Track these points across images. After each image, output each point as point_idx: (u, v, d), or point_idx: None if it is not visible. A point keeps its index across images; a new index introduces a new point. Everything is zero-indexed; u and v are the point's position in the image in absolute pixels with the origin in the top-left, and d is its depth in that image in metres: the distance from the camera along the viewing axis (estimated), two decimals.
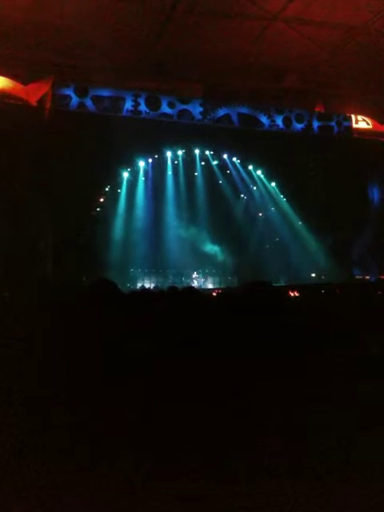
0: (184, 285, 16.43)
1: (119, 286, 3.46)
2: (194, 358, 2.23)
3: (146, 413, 1.88)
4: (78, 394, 1.95)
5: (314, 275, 17.48)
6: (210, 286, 17.60)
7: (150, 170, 17.71)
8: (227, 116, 13.74)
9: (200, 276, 18.23)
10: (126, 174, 17.28)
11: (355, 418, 1.93)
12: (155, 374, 2.09)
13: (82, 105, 12.29)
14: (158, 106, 12.96)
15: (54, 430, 1.75)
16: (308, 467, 1.66)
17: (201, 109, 13.37)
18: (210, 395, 2.01)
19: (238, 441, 1.79)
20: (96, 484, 1.54)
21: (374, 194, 16.80)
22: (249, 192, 18.72)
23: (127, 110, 12.72)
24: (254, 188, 18.64)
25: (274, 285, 14.19)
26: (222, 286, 17.44)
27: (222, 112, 13.67)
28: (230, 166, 18.12)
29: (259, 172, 18.34)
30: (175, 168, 17.76)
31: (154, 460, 1.66)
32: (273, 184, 18.47)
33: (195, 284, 17.73)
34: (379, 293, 6.95)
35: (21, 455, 1.65)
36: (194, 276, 18.13)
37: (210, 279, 18.44)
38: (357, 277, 16.52)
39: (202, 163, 17.91)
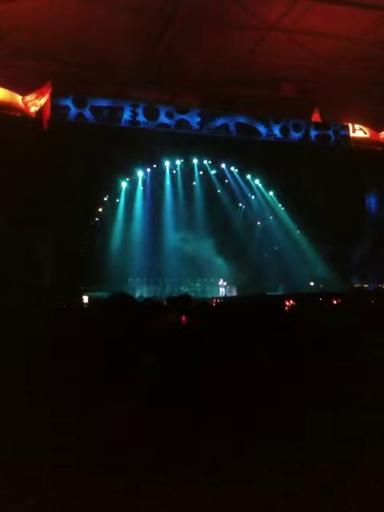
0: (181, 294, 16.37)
1: None
2: (195, 364, 2.25)
3: (148, 415, 1.89)
4: (82, 397, 1.97)
5: (312, 284, 17.48)
6: (210, 296, 17.58)
7: (148, 180, 17.76)
8: (225, 126, 13.78)
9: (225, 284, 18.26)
10: (124, 184, 17.31)
11: (355, 419, 1.94)
12: (158, 378, 2.10)
13: (80, 115, 12.33)
14: (156, 116, 13.00)
15: (57, 431, 1.76)
16: (308, 467, 1.67)
17: (199, 119, 13.41)
18: (209, 398, 2.02)
19: (237, 442, 1.80)
20: (97, 484, 1.55)
21: (372, 203, 16.86)
22: (247, 201, 18.77)
23: (125, 121, 12.77)
24: (253, 197, 18.69)
25: (272, 293, 14.24)
26: (221, 295, 17.45)
27: (219, 122, 13.72)
28: (228, 175, 18.17)
29: (257, 181, 18.39)
30: (173, 178, 17.81)
31: (154, 460, 1.67)
32: (271, 193, 18.52)
33: (222, 292, 17.83)
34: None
35: (22, 455, 1.65)
36: (220, 283, 18.18)
37: (208, 288, 18.43)
38: (355, 285, 16.52)
39: (201, 173, 17.96)
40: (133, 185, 17.52)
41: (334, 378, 2.31)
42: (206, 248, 17.39)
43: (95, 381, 2.05)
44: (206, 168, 17.94)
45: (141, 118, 12.85)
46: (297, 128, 14.32)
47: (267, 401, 2.00)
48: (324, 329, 3.68)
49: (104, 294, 11.59)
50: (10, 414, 1.85)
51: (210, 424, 1.86)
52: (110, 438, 1.76)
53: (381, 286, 15.34)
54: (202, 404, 1.97)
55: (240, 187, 18.28)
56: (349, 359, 2.57)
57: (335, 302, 7.86)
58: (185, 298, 4.27)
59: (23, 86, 11.69)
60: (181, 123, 13.28)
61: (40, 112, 11.83)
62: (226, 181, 18.18)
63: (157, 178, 17.72)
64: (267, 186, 18.33)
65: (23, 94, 11.65)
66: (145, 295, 16.16)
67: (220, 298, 15.95)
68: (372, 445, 1.81)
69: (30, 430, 1.79)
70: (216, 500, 1.54)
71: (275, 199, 18.47)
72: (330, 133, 14.55)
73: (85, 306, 11.15)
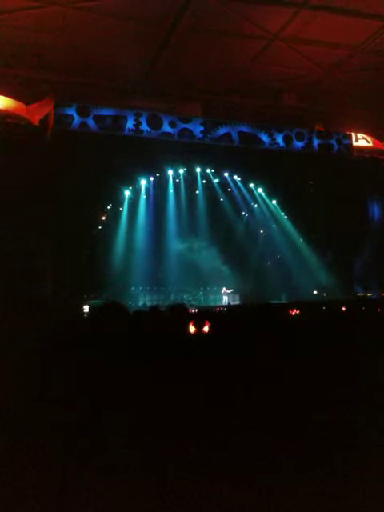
0: (186, 302, 16.41)
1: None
2: (195, 363, 2.26)
3: (148, 413, 1.89)
4: (81, 396, 1.97)
5: (315, 292, 17.45)
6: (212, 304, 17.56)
7: (151, 189, 17.80)
8: (228, 134, 13.82)
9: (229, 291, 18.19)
10: (127, 193, 17.37)
11: (355, 418, 1.94)
12: (157, 376, 2.11)
13: (84, 124, 12.39)
14: (160, 125, 13.06)
15: (57, 431, 1.76)
16: (308, 467, 1.66)
17: (201, 128, 13.46)
18: (210, 396, 2.02)
19: (237, 441, 1.80)
20: (97, 484, 1.55)
21: (375, 211, 16.85)
22: (250, 210, 18.80)
23: (129, 130, 12.82)
24: (255, 206, 18.72)
25: (276, 302, 14.22)
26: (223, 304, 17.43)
27: (222, 131, 13.76)
28: (231, 183, 18.21)
29: (260, 190, 18.42)
30: (176, 186, 17.86)
31: (154, 460, 1.67)
32: (274, 201, 18.55)
33: (225, 300, 17.80)
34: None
35: (24, 455, 1.66)
36: (223, 292, 18.16)
37: (211, 297, 18.42)
38: (358, 294, 16.49)
39: (203, 181, 18.01)
40: (136, 193, 17.58)
41: (335, 380, 2.32)
42: (208, 256, 17.38)
43: (94, 383, 2.06)
44: (209, 177, 17.98)
45: (144, 126, 12.91)
46: (299, 137, 14.35)
47: (267, 402, 2.00)
48: (326, 337, 3.68)
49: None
50: (10, 418, 1.86)
51: (209, 424, 1.86)
52: (110, 438, 1.77)
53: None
54: (201, 404, 1.97)
55: (243, 196, 18.32)
56: (349, 363, 2.58)
57: (339, 311, 7.84)
58: (180, 306, 4.39)
59: (27, 95, 11.77)
60: (184, 132, 13.33)
61: (44, 121, 11.90)
62: (229, 189, 18.22)
63: (160, 186, 17.76)
64: (270, 195, 18.37)
65: (27, 102, 11.72)
66: (148, 303, 16.16)
67: (223, 306, 15.94)
68: (372, 445, 1.81)
69: (30, 432, 1.79)
70: (216, 500, 1.54)
71: (278, 208, 18.51)
72: (333, 142, 14.58)
73: (85, 315, 11.15)
